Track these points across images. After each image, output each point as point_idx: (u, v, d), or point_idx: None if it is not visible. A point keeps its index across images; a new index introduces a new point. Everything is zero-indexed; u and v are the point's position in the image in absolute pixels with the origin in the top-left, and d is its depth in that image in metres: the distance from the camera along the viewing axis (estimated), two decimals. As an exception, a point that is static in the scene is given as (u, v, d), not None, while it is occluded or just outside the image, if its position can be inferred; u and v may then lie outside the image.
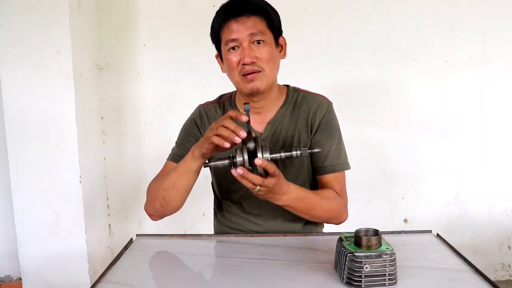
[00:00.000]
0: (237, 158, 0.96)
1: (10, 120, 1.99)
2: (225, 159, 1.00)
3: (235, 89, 1.31)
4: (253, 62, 1.15)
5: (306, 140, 1.26)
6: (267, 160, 0.95)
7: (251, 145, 0.97)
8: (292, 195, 1.10)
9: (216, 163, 1.00)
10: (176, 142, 1.33)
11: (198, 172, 1.13)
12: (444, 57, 2.34)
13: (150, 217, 1.27)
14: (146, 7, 2.29)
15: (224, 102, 1.32)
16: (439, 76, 2.36)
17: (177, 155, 1.28)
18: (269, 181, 0.99)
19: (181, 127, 1.36)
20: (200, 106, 1.35)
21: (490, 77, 2.36)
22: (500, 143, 2.41)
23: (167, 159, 1.32)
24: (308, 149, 1.01)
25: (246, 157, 0.95)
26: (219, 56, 1.25)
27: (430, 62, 2.34)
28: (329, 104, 1.29)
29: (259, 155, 0.95)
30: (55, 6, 1.91)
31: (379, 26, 2.31)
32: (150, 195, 1.24)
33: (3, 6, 1.91)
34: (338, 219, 1.25)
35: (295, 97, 1.29)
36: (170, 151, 1.34)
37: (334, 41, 2.32)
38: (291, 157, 1.01)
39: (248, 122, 0.98)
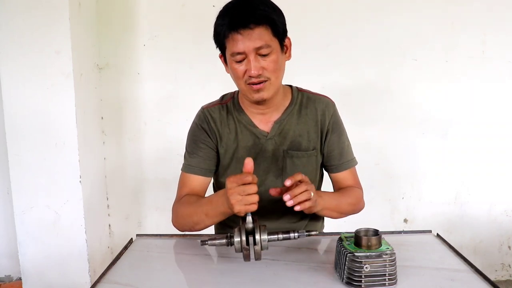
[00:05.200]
0: (235, 238, 0.96)
1: (10, 120, 1.98)
2: (223, 238, 1.00)
3: (236, 88, 1.31)
4: (260, 74, 1.13)
5: (316, 139, 1.28)
6: (265, 241, 0.96)
7: (249, 225, 0.97)
8: (325, 197, 1.18)
9: (213, 242, 1.01)
10: (187, 151, 1.31)
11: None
12: (444, 57, 2.34)
13: (177, 230, 1.28)
14: (146, 7, 2.29)
15: (227, 103, 1.30)
16: (439, 76, 2.36)
17: (192, 166, 1.28)
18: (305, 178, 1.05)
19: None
20: (203, 108, 1.32)
21: (490, 77, 2.36)
22: (500, 143, 2.41)
23: (182, 170, 1.30)
24: (306, 231, 1.02)
25: (244, 237, 0.96)
26: (223, 57, 1.22)
27: (430, 62, 2.34)
28: (333, 104, 1.33)
29: (257, 236, 0.95)
30: (55, 6, 1.90)
31: (379, 26, 2.31)
32: (179, 221, 1.24)
33: (3, 6, 1.91)
34: (359, 209, 1.33)
35: (300, 98, 1.30)
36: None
37: (334, 41, 2.32)
38: (288, 239, 1.02)
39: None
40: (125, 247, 1.17)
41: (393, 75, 2.36)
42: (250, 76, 1.13)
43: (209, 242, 1.01)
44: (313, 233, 1.03)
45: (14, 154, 2.00)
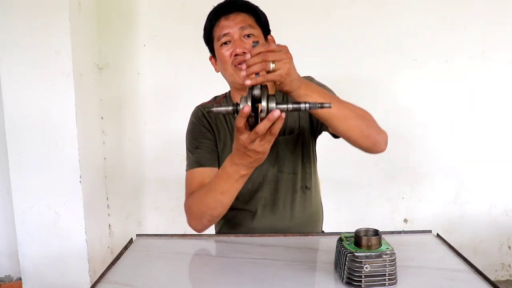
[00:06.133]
0: (241, 105, 0.88)
1: (10, 120, 1.99)
2: (229, 105, 0.92)
3: (229, 89, 1.34)
4: (244, 53, 1.16)
5: (297, 116, 1.29)
6: (273, 110, 0.85)
7: (256, 92, 0.87)
8: (313, 85, 1.01)
9: (219, 109, 0.92)
10: (189, 150, 1.29)
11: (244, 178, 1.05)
12: (444, 57, 2.34)
13: (196, 230, 1.22)
14: (146, 7, 2.29)
15: (220, 101, 1.36)
16: (439, 76, 2.36)
17: (198, 160, 1.25)
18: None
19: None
20: (197, 107, 1.36)
21: (490, 77, 2.36)
22: (500, 143, 2.41)
23: (187, 169, 1.27)
24: (319, 103, 0.88)
25: (249, 103, 0.86)
26: (213, 57, 1.30)
27: (430, 62, 2.34)
28: (311, 78, 1.29)
29: (263, 103, 0.85)
30: (55, 6, 1.91)
31: (379, 26, 2.31)
32: (195, 214, 1.18)
33: (3, 7, 1.91)
34: (375, 133, 1.15)
35: None
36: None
37: (334, 41, 2.32)
38: (299, 109, 0.90)
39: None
40: (125, 247, 1.17)
41: (393, 75, 2.36)
42: (236, 55, 1.19)
43: (214, 109, 0.92)
44: (326, 105, 0.88)
45: (14, 154, 2.00)
